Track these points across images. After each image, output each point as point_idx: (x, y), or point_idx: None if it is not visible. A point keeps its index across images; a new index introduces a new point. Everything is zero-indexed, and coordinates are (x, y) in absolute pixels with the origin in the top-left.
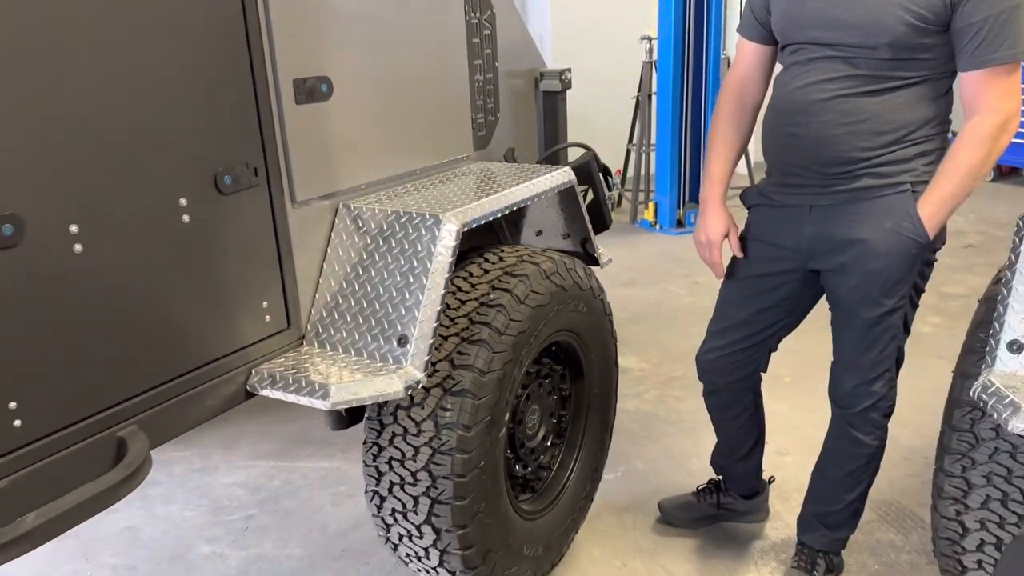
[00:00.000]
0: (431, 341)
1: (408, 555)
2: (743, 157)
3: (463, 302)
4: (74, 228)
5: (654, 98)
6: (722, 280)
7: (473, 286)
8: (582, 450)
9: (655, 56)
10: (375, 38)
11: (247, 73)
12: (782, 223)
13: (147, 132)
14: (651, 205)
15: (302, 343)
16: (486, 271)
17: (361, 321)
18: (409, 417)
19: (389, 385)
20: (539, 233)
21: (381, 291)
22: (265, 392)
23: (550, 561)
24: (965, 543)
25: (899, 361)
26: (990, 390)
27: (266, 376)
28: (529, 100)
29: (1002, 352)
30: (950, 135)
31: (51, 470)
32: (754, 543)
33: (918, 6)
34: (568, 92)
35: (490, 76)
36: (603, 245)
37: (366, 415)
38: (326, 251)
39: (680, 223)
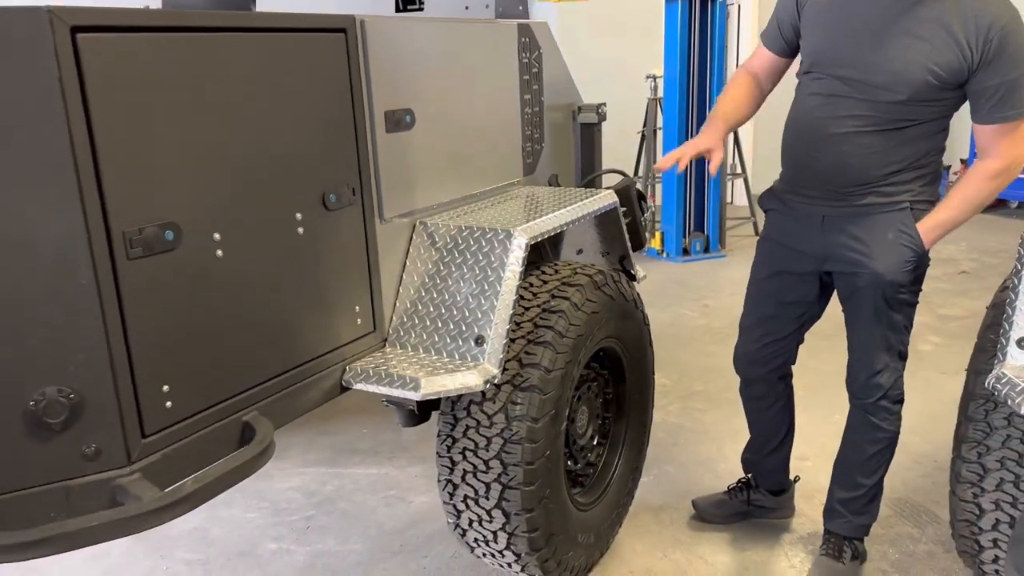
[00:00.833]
0: (505, 341)
1: (476, 540)
2: (745, 189)
3: (526, 309)
4: (217, 236)
5: (659, 133)
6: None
7: (535, 295)
8: (624, 449)
9: (660, 93)
10: (448, 75)
11: (349, 108)
12: (799, 229)
13: (274, 159)
14: (658, 234)
15: (384, 344)
16: (544, 282)
17: (440, 324)
18: (482, 411)
19: (471, 379)
20: (579, 252)
21: (458, 297)
22: (359, 386)
23: (600, 550)
24: (982, 523)
25: (902, 355)
26: (1003, 380)
27: (359, 372)
28: (567, 131)
29: (1012, 348)
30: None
31: (193, 447)
32: (784, 535)
33: (940, 68)
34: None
35: (537, 109)
36: None
37: (440, 411)
38: (405, 263)
39: (686, 251)
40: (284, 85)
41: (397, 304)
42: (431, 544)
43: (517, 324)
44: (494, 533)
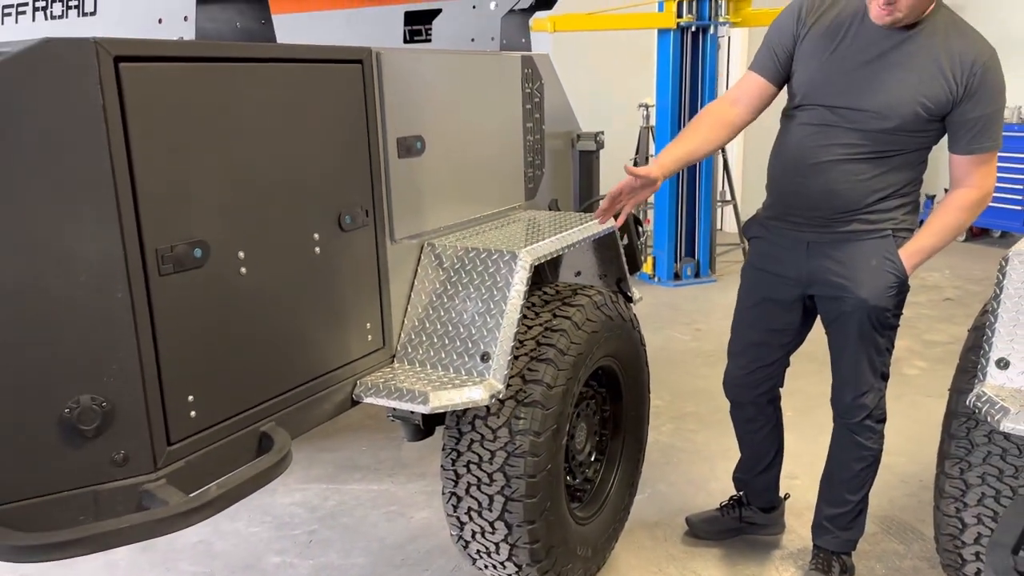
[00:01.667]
0: (509, 358)
1: (479, 551)
2: (735, 215)
3: (529, 327)
4: (241, 254)
5: (651, 160)
6: None
7: (537, 314)
8: (620, 466)
9: (652, 122)
10: (456, 104)
11: (364, 134)
12: (784, 255)
13: (294, 183)
14: (649, 259)
15: (393, 360)
16: (546, 302)
17: (447, 341)
18: (486, 425)
19: (477, 394)
20: (577, 274)
21: (464, 315)
22: (369, 399)
23: (597, 564)
24: (964, 537)
25: (884, 376)
26: (983, 399)
27: (369, 386)
28: (567, 157)
29: (991, 368)
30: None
31: (215, 455)
32: (774, 551)
33: (929, 100)
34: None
35: (538, 137)
36: None
37: (445, 425)
38: (413, 282)
39: (677, 276)
40: (305, 112)
41: (405, 321)
42: (431, 558)
43: (520, 342)
44: (496, 545)
